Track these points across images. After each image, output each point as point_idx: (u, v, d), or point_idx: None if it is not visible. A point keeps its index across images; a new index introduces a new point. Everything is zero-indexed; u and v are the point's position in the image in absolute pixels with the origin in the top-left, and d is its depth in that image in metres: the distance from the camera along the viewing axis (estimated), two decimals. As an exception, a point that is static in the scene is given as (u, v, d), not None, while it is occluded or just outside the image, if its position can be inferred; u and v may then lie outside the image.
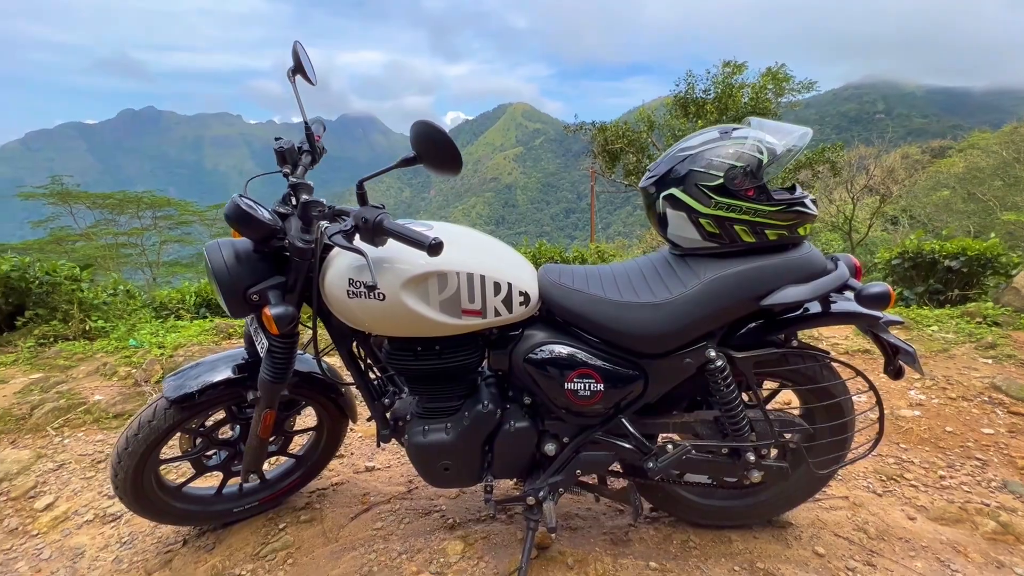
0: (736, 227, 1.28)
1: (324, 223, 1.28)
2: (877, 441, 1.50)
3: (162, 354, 3.19)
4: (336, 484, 1.99)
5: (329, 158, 1.45)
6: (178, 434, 1.56)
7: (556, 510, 1.56)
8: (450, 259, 1.23)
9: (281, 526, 1.74)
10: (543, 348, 1.36)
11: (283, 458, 1.85)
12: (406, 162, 1.14)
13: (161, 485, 1.59)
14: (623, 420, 1.44)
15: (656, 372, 1.38)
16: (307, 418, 1.89)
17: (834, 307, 1.33)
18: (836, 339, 3.34)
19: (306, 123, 1.48)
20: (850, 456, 1.55)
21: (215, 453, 1.67)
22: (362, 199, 1.21)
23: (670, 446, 1.46)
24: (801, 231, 1.32)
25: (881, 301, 1.22)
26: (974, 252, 4.35)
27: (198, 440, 1.61)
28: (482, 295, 1.27)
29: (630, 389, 1.38)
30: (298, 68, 1.44)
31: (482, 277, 1.26)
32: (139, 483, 1.49)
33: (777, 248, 1.32)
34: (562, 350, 1.36)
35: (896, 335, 1.37)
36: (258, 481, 1.74)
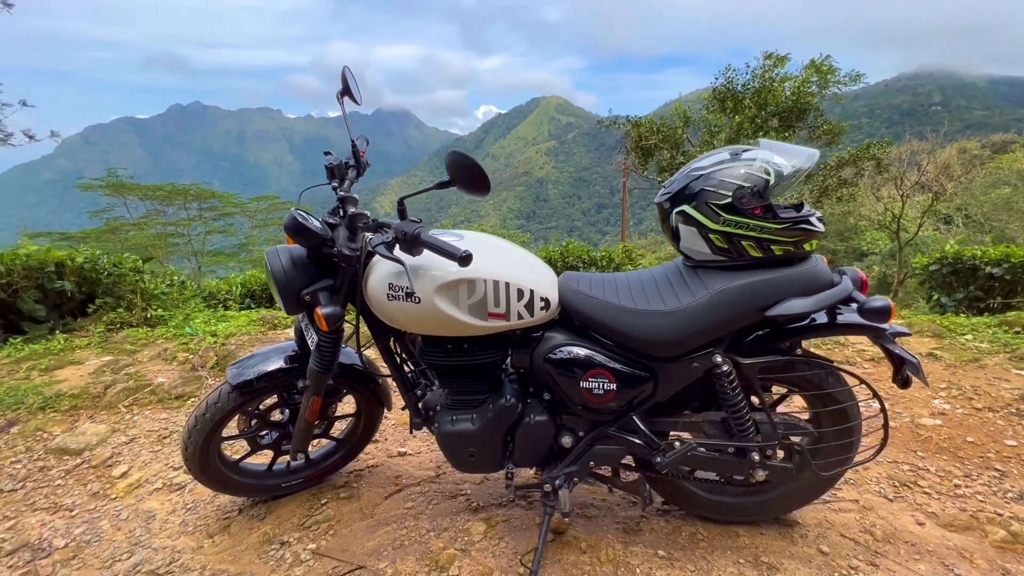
0: (743, 242, 1.37)
1: (368, 234, 1.44)
2: (882, 446, 1.57)
3: (215, 342, 3.47)
4: (371, 466, 2.18)
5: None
6: (237, 416, 1.77)
7: (572, 500, 1.69)
8: (478, 267, 1.35)
9: (323, 501, 1.93)
10: (561, 349, 1.49)
11: (325, 440, 2.05)
12: (441, 185, 1.28)
13: (222, 460, 1.81)
14: (634, 417, 1.56)
15: (665, 374, 1.48)
16: (347, 405, 2.07)
17: (839, 319, 1.41)
18: (861, 346, 3.33)
19: (352, 141, 1.65)
20: (854, 460, 1.62)
21: (267, 433, 1.88)
22: (402, 214, 1.36)
23: (677, 443, 1.57)
24: (807, 247, 1.40)
25: (882, 314, 1.29)
26: (1018, 259, 4.20)
27: (253, 421, 1.82)
28: (507, 300, 1.40)
29: (641, 389, 1.49)
30: (346, 91, 1.60)
31: (507, 284, 1.40)
32: (205, 457, 1.71)
33: (784, 262, 1.41)
34: (579, 351, 1.49)
35: (903, 345, 1.43)
36: (303, 460, 1.96)
